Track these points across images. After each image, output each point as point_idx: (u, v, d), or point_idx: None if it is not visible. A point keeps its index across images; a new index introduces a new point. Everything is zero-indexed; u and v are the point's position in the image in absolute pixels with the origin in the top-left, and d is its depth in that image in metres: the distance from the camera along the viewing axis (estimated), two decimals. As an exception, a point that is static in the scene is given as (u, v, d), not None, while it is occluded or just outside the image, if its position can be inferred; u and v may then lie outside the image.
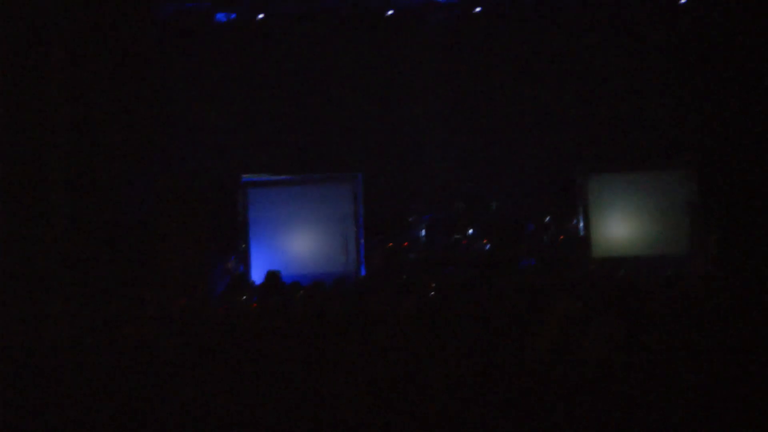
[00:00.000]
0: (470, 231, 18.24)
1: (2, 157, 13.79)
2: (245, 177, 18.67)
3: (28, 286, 13.64)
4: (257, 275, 18.14)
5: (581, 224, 18.32)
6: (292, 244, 18.63)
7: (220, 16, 18.84)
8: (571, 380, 8.94)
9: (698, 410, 8.32)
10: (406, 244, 18.41)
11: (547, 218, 18.23)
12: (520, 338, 10.12)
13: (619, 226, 18.42)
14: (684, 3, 18.39)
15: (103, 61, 15.45)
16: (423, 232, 18.39)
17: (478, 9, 18.89)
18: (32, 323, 12.22)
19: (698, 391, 8.44)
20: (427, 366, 9.40)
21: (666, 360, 9.23)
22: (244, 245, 18.40)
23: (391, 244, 18.54)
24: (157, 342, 10.45)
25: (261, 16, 18.76)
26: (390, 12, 18.91)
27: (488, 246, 18.05)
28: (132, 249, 15.69)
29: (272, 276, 15.70)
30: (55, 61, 14.45)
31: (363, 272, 18.17)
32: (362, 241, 18.49)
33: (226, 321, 11.64)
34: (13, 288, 13.45)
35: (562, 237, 17.97)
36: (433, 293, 14.57)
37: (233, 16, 18.82)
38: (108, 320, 11.23)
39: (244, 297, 15.85)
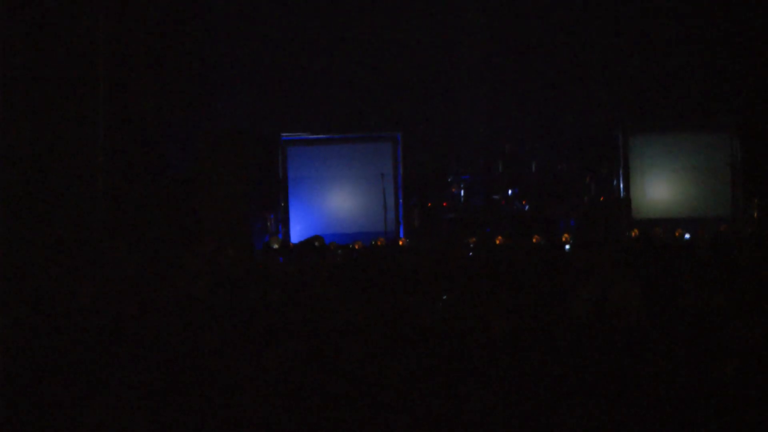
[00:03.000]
0: (509, 191, 18.18)
1: (45, 115, 13.86)
2: (285, 135, 18.69)
3: (74, 244, 13.76)
4: (295, 233, 18.21)
5: (621, 185, 18.23)
6: (331, 203, 18.66)
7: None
8: (609, 337, 8.93)
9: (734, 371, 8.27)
10: (444, 204, 18.37)
11: (587, 179, 18.11)
12: (558, 297, 10.11)
13: (659, 188, 18.32)
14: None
15: (146, 16, 15.49)
16: (462, 192, 18.34)
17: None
18: (79, 280, 12.30)
19: (735, 351, 8.40)
20: (465, 325, 9.41)
21: (702, 322, 9.20)
22: (283, 203, 18.45)
23: (429, 204, 18.51)
24: (202, 295, 10.52)
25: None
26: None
27: (527, 206, 18.00)
28: (174, 204, 15.81)
29: (313, 238, 15.79)
30: (99, 16, 14.50)
31: (401, 232, 18.18)
32: (401, 201, 18.49)
33: (265, 277, 11.70)
34: (58, 246, 13.56)
35: (602, 198, 17.87)
36: (471, 253, 14.60)
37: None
38: (153, 274, 11.30)
39: (282, 255, 15.94)
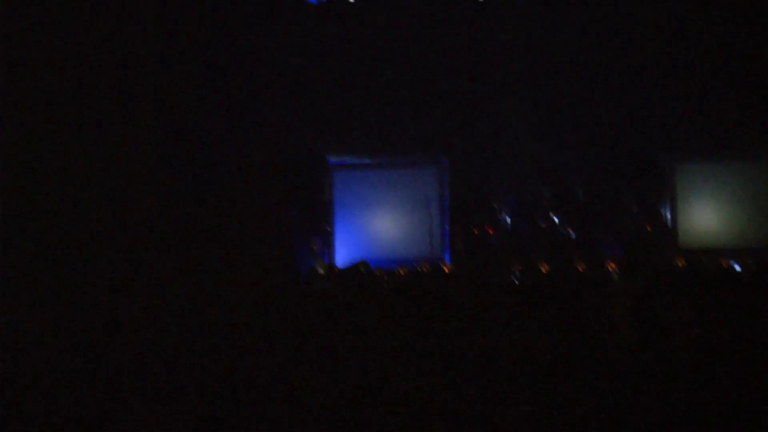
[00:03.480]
0: (555, 219, 18.14)
1: (93, 136, 13.98)
2: (331, 159, 18.75)
3: (116, 266, 13.85)
4: (341, 258, 18.24)
5: (668, 214, 18.14)
6: (376, 227, 18.69)
7: (312, -2, 18.92)
8: (651, 366, 8.89)
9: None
10: (490, 230, 18.34)
11: (634, 207, 18.05)
12: (602, 325, 10.07)
13: (707, 217, 18.22)
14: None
15: (194, 36, 15.62)
16: (508, 219, 18.32)
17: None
18: (121, 303, 12.39)
19: None
20: (507, 352, 9.40)
21: (746, 353, 9.14)
22: (328, 227, 18.49)
23: (475, 230, 18.50)
24: (244, 322, 10.55)
25: (353, -1, 18.80)
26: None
27: (573, 234, 17.95)
28: (219, 227, 15.88)
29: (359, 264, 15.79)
30: (147, 37, 14.63)
31: (447, 257, 18.17)
32: (446, 226, 18.49)
33: (310, 303, 11.73)
34: (101, 267, 13.65)
35: (648, 227, 17.80)
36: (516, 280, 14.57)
37: (324, -3, 18.89)
38: (196, 300, 11.35)
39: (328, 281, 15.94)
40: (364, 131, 19.08)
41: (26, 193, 13.52)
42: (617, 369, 9.08)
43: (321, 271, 16.62)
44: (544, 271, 14.72)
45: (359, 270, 15.11)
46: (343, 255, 18.26)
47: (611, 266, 14.79)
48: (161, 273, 14.03)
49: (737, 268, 15.66)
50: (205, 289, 12.57)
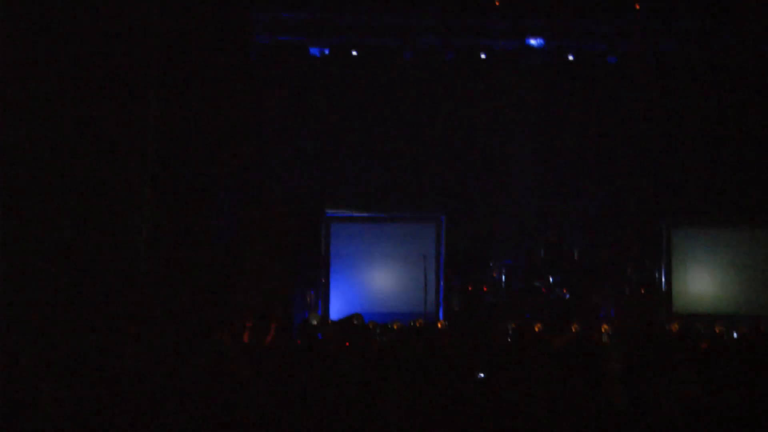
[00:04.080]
0: (551, 278, 18.16)
1: (92, 187, 13.98)
2: (329, 212, 18.79)
3: (108, 312, 13.79)
4: (335, 310, 18.23)
5: (663, 278, 18.17)
6: (372, 281, 18.70)
7: (314, 51, 18.99)
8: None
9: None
10: (485, 288, 18.35)
11: (629, 270, 18.08)
12: (594, 386, 10.08)
13: (701, 282, 18.25)
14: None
15: (197, 91, 15.70)
16: (503, 277, 18.34)
17: (570, 57, 18.83)
18: (111, 346, 12.37)
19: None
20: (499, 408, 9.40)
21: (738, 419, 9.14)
22: (324, 279, 18.50)
23: (470, 287, 18.50)
24: (233, 371, 10.54)
25: (355, 52, 18.87)
26: (483, 55, 18.93)
27: (568, 295, 17.97)
28: (215, 274, 15.87)
29: (353, 316, 15.79)
30: (152, 92, 14.69)
31: (441, 314, 18.16)
32: (441, 282, 18.50)
33: (303, 353, 11.71)
34: (91, 314, 13.60)
35: (643, 290, 17.81)
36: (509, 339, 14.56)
37: (327, 51, 18.96)
38: (187, 346, 11.35)
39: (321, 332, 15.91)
40: (362, 185, 19.16)
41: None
42: (608, 427, 9.08)
43: (314, 322, 16.60)
44: (537, 330, 14.74)
45: (353, 323, 15.11)
46: (337, 308, 18.24)
47: (604, 328, 14.79)
48: (154, 317, 14.01)
49: (734, 335, 15.64)
50: (196, 336, 12.57)
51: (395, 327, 15.94)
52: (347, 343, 12.17)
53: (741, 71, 18.39)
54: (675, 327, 15.97)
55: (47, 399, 9.23)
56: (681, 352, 11.07)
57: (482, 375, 10.62)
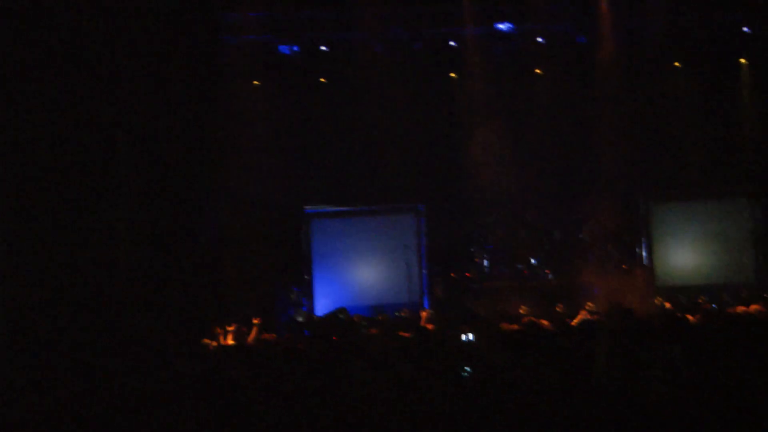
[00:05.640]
0: (532, 260, 18.20)
1: (72, 186, 13.94)
2: (309, 208, 18.78)
3: (94, 315, 13.77)
4: (320, 306, 18.23)
5: (645, 253, 18.24)
6: (355, 275, 18.71)
7: (284, 49, 18.94)
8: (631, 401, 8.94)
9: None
10: (468, 274, 18.39)
11: (610, 247, 18.13)
12: (585, 364, 10.10)
13: (682, 255, 18.34)
14: (748, 32, 18.35)
15: (172, 88, 15.67)
16: (485, 262, 18.37)
17: (540, 39, 18.84)
18: (97, 348, 12.37)
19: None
20: (492, 395, 9.42)
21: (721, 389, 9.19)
22: (307, 276, 18.50)
23: (453, 274, 18.54)
24: (221, 371, 10.53)
25: (324, 48, 18.83)
26: (452, 43, 18.93)
27: (550, 275, 18.03)
28: (198, 275, 15.85)
29: (338, 311, 15.79)
30: (127, 89, 14.68)
31: (426, 303, 18.19)
32: (425, 271, 18.52)
33: (289, 351, 11.70)
34: (83, 316, 13.57)
35: (624, 266, 17.89)
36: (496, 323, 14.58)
37: (296, 48, 18.91)
38: (174, 348, 11.34)
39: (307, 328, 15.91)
40: (340, 180, 19.13)
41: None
42: (598, 407, 9.11)
43: (300, 319, 16.62)
44: (522, 312, 14.78)
45: (338, 317, 15.12)
46: (322, 303, 18.25)
47: (589, 306, 14.82)
48: (140, 323, 14.00)
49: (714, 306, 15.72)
50: (182, 338, 12.57)
51: (381, 318, 15.96)
52: (334, 338, 12.16)
53: (711, 47, 18.44)
54: (659, 300, 16.07)
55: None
56: (667, 327, 11.11)
57: (468, 369, 10.63)
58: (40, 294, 13.27)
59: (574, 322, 13.32)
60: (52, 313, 13.22)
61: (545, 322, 12.20)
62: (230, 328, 13.10)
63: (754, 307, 12.01)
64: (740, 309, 12.35)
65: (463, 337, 10.78)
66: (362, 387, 9.68)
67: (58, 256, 13.56)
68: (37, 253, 13.45)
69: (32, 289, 13.28)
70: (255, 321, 13.10)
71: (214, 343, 12.31)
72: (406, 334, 11.61)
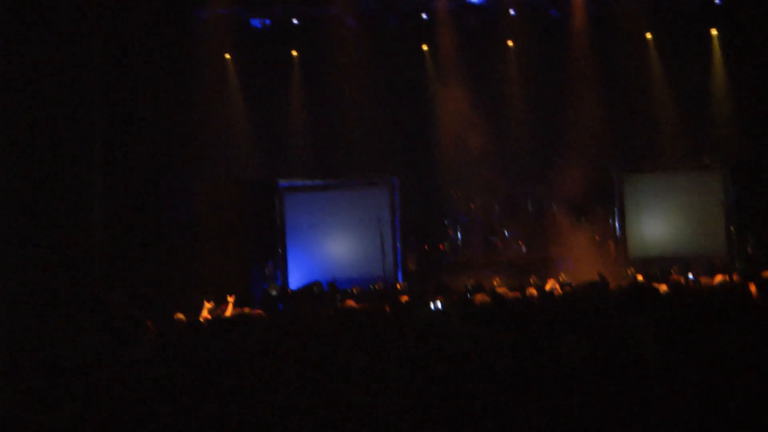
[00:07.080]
0: (506, 233, 18.26)
1: (43, 161, 13.86)
2: (282, 182, 18.77)
3: (67, 292, 13.72)
4: (294, 280, 18.26)
5: (617, 224, 18.33)
6: (329, 248, 18.73)
7: (255, 22, 18.87)
8: (609, 376, 8.96)
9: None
10: (441, 246, 18.44)
11: (583, 219, 18.20)
12: (556, 338, 10.14)
13: (655, 227, 18.44)
14: (719, 4, 18.39)
15: (141, 66, 15.60)
16: (459, 235, 18.43)
17: (512, 12, 18.81)
18: (70, 328, 12.33)
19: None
20: (467, 370, 9.44)
21: (700, 361, 9.22)
22: (281, 250, 18.51)
23: (427, 246, 18.58)
24: (195, 347, 10.51)
25: (296, 21, 18.77)
26: (425, 15, 18.90)
27: (524, 247, 18.09)
28: (172, 253, 15.81)
29: (312, 284, 15.82)
30: (96, 67, 14.59)
31: (399, 276, 18.24)
32: (398, 244, 18.56)
33: (264, 326, 11.71)
34: (51, 292, 13.53)
35: (597, 237, 17.97)
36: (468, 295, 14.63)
37: (268, 21, 18.84)
38: (146, 325, 11.31)
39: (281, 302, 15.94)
40: (313, 154, 19.11)
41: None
42: (574, 384, 9.13)
43: (274, 293, 16.63)
44: (496, 284, 14.83)
45: (312, 291, 15.15)
46: (297, 277, 18.28)
47: (562, 278, 14.90)
48: (114, 303, 13.94)
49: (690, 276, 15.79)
50: (155, 314, 12.54)
51: (355, 291, 16.01)
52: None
53: (682, 18, 18.47)
54: (631, 271, 16.16)
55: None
56: (639, 298, 11.15)
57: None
58: (16, 288, 13.23)
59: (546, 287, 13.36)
60: (33, 305, 13.19)
61: (516, 293, 12.23)
62: (209, 305, 13.09)
63: (718, 278, 12.06)
64: (704, 280, 12.42)
65: (432, 306, 10.81)
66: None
67: (25, 237, 13.48)
68: (8, 243, 13.38)
69: (7, 283, 13.24)
70: (230, 298, 13.10)
71: (186, 319, 12.28)
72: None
